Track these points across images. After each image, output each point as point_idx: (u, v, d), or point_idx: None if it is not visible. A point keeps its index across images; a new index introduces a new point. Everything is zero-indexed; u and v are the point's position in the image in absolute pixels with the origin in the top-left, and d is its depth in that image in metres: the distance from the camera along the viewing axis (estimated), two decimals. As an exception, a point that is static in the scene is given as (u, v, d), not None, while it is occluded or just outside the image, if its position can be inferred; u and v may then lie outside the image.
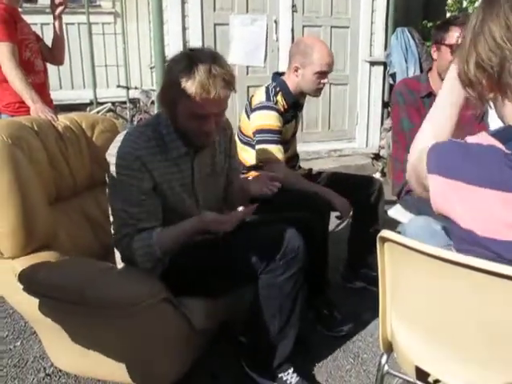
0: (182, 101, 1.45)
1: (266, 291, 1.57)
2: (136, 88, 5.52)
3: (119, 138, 1.53)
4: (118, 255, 1.63)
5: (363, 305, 2.27)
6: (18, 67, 2.40)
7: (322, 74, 2.21)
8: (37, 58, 2.66)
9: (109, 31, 5.97)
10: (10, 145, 1.52)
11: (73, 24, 5.78)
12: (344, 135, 5.52)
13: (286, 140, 2.32)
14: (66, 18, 5.71)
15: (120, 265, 1.62)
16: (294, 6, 5.03)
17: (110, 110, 5.64)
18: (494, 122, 1.67)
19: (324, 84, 2.25)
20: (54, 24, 2.78)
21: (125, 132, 1.57)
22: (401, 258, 0.93)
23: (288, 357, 1.67)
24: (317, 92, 2.28)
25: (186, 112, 1.48)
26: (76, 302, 1.37)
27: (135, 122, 5.41)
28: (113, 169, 1.49)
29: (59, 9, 2.69)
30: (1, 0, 2.44)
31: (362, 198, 2.31)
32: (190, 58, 1.44)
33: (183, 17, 4.69)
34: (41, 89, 2.61)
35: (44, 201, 1.61)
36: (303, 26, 5.13)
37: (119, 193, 1.51)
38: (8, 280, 1.51)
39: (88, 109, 5.64)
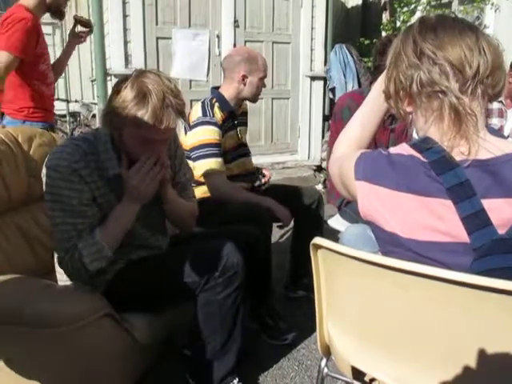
0: (130, 127, 1.42)
1: (206, 308, 1.56)
2: (76, 101, 5.41)
3: (55, 150, 1.49)
4: (59, 273, 1.58)
5: (306, 313, 2.33)
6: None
7: (263, 79, 2.33)
8: (50, 71, 2.67)
9: (48, 43, 5.80)
10: None
11: (9, 35, 5.58)
12: (287, 148, 5.64)
13: (229, 149, 2.36)
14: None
15: (62, 282, 1.59)
16: (236, 21, 5.11)
17: (49, 124, 5.47)
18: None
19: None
20: (70, 42, 2.83)
21: (61, 144, 1.53)
22: (333, 264, 0.98)
23: (232, 369, 1.67)
24: (257, 97, 2.39)
25: (133, 137, 1.45)
26: (15, 322, 1.33)
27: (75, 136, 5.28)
28: (50, 182, 1.45)
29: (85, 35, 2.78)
30: (29, 9, 2.39)
31: (303, 208, 2.38)
32: (139, 85, 1.39)
33: (125, 30, 4.65)
34: (50, 100, 2.66)
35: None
36: (245, 41, 5.22)
37: (59, 205, 1.45)
38: None
39: (25, 122, 5.44)
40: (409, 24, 1.01)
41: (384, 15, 6.45)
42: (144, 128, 1.39)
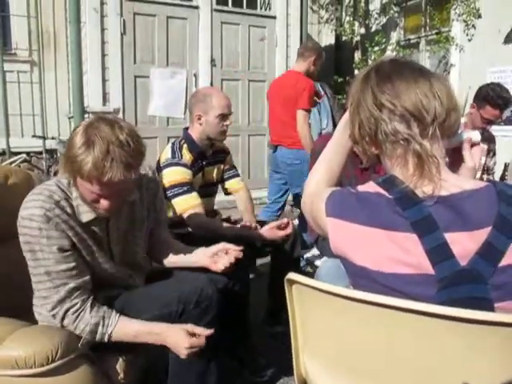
0: (76, 177, 1.39)
1: None
2: (53, 138, 5.37)
3: (29, 199, 1.45)
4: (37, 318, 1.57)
5: (284, 348, 2.31)
6: None
7: (224, 117, 2.34)
8: None
9: (25, 80, 5.82)
10: None
11: (-15, 72, 5.59)
12: (263, 184, 5.70)
13: (197, 188, 2.37)
14: (-23, 65, 5.56)
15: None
16: (212, 60, 5.25)
17: (24, 161, 5.41)
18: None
19: (227, 126, 2.38)
20: None
21: (33, 192, 1.48)
22: (308, 299, 1.00)
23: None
24: (222, 135, 2.41)
25: (81, 186, 1.41)
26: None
27: (52, 173, 5.23)
28: (27, 231, 1.42)
29: None
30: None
31: (279, 244, 2.40)
32: (89, 133, 1.32)
33: (103, 68, 4.73)
34: None
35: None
36: (222, 80, 5.35)
37: (39, 255, 1.43)
38: None
39: (0, 159, 5.39)
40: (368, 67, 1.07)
41: (356, 54, 6.70)
42: (86, 179, 1.34)
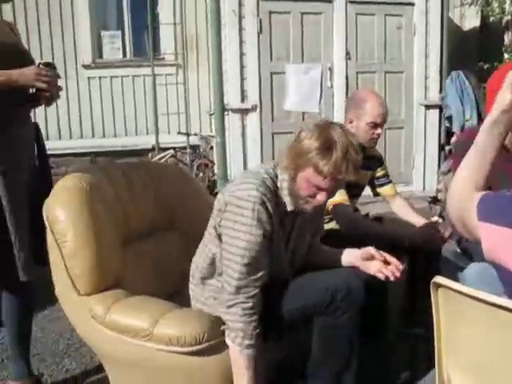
0: (307, 170, 1.51)
1: (325, 332, 1.58)
2: (195, 134, 5.79)
3: (242, 181, 1.58)
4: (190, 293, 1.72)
5: (420, 352, 2.23)
6: None
7: (376, 125, 2.27)
8: None
9: (171, 81, 6.34)
10: (88, 191, 1.68)
11: (139, 76, 6.20)
12: (401, 179, 5.49)
13: (357, 185, 2.37)
14: (133, 71, 6.20)
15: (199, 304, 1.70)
16: (347, 53, 5.19)
17: (171, 156, 5.93)
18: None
19: (378, 135, 2.30)
20: None
21: (245, 177, 1.61)
22: (456, 305, 0.96)
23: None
24: (371, 142, 2.33)
25: (306, 180, 1.53)
26: (146, 339, 1.48)
27: (195, 167, 5.64)
28: (238, 211, 1.51)
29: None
30: None
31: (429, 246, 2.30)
32: (328, 136, 1.49)
33: (241, 67, 4.95)
34: None
35: (116, 243, 1.75)
36: (357, 73, 5.26)
37: (241, 236, 1.51)
38: (83, 315, 1.64)
39: (150, 154, 5.95)
40: None
41: (506, 36, 6.09)
42: (322, 176, 1.49)
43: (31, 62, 1.83)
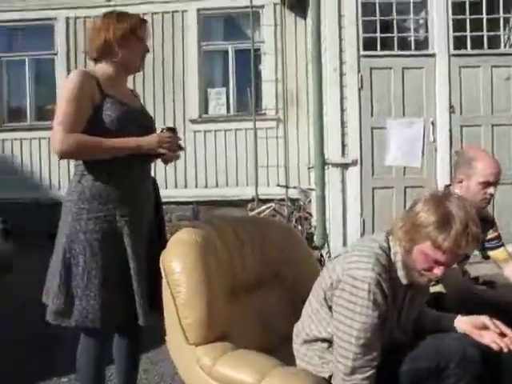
0: (424, 244, 1.48)
1: None
2: (294, 187, 5.90)
3: (357, 259, 1.53)
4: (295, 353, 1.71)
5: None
6: None
7: (488, 185, 2.17)
8: None
9: (271, 135, 6.59)
10: (202, 245, 1.78)
11: (241, 130, 6.53)
12: (511, 238, 5.11)
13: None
14: (235, 125, 6.57)
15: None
16: (451, 107, 5.06)
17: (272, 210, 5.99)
18: None
19: (491, 195, 2.19)
20: None
21: (361, 254, 1.56)
22: None
23: None
24: (482, 203, 2.21)
25: (423, 254, 1.49)
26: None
27: (293, 220, 5.70)
28: (355, 292, 1.48)
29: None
30: None
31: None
32: (445, 210, 1.46)
33: (342, 122, 5.02)
34: None
35: (225, 295, 1.81)
36: (461, 126, 5.10)
37: (356, 317, 1.48)
38: (190, 364, 1.70)
39: (249, 205, 6.14)
40: None
41: None
42: (441, 250, 1.46)
43: (153, 125, 2.03)
